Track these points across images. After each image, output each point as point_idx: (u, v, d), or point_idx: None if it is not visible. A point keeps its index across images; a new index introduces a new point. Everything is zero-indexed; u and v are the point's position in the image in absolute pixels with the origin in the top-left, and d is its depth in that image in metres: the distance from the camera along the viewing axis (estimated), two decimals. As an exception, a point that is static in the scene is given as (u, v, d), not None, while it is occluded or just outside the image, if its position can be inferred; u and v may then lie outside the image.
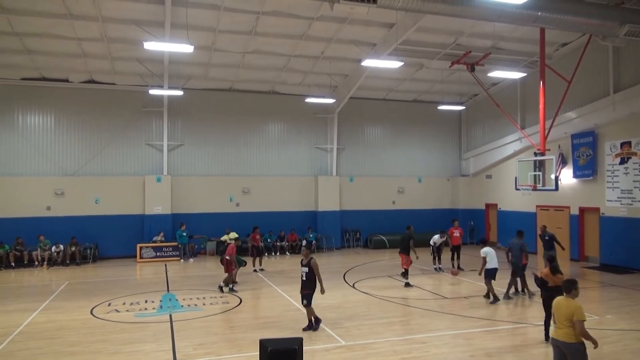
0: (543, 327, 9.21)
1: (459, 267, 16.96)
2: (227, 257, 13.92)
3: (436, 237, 17.34)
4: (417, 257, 14.61)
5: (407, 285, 14.31)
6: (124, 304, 12.39)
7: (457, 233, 17.45)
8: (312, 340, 9.14)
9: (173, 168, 21.79)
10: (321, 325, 10.24)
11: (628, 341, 9.08)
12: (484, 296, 12.63)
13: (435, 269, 17.08)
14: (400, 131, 25.39)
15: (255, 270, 17.09)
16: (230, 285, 14.02)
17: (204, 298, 12.98)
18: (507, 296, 12.80)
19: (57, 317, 11.17)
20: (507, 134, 22.70)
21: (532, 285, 13.25)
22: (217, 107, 22.38)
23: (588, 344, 6.12)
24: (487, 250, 12.50)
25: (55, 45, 17.01)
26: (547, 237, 14.95)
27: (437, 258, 17.21)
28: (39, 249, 18.64)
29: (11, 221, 19.19)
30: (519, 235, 13.29)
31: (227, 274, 13.99)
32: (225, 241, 20.61)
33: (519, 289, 13.18)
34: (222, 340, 9.31)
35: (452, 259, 17.28)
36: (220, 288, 13.88)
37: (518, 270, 12.92)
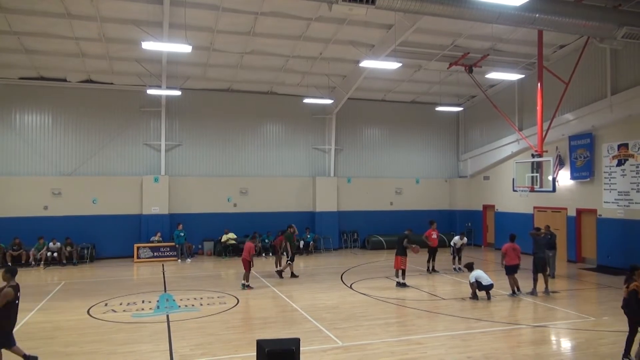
0: (625, 343, 8.35)
1: (434, 269, 16.87)
2: (248, 259, 14.14)
3: (456, 238, 17.52)
4: (417, 250, 14.51)
5: (400, 285, 14.31)
6: (120, 304, 12.36)
7: (435, 235, 17.02)
8: (309, 341, 9.13)
9: (171, 168, 21.76)
10: (319, 325, 10.24)
11: (625, 343, 9.07)
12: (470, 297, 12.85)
13: (455, 269, 17.13)
14: (398, 132, 25.41)
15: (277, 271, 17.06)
16: (245, 282, 14.20)
17: (201, 298, 12.97)
18: (533, 292, 13.24)
19: (54, 317, 11.14)
20: (505, 135, 22.74)
21: (525, 287, 13.39)
22: (215, 107, 22.36)
23: None
24: (477, 274, 12.83)
25: (54, 44, 16.99)
26: (549, 237, 15.07)
27: (457, 259, 17.27)
28: (33, 249, 18.61)
29: (8, 221, 19.13)
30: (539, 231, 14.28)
31: (246, 272, 14.26)
32: (227, 241, 20.83)
33: (515, 290, 13.20)
34: (219, 341, 9.29)
35: (429, 260, 16.93)
36: (245, 286, 14.20)
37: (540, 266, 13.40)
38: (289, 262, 15.97)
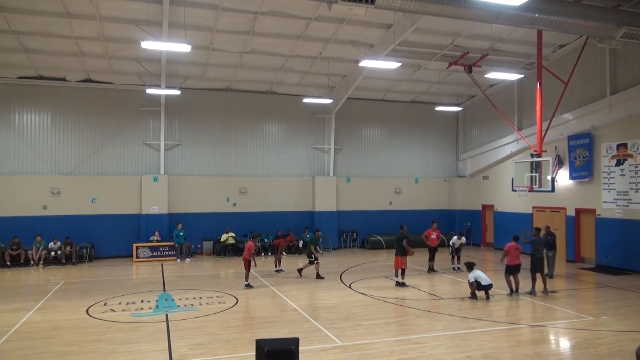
0: None
1: (433, 269, 16.84)
2: (248, 258, 14.20)
3: (454, 238, 17.54)
4: (412, 253, 14.47)
5: (400, 284, 14.32)
6: (120, 303, 12.35)
7: (434, 235, 17.01)
8: (308, 340, 9.14)
9: (170, 168, 21.75)
10: (318, 325, 10.24)
11: (624, 342, 9.10)
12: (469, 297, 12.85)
13: (454, 268, 17.12)
14: (397, 132, 25.42)
15: (277, 271, 17.13)
16: (247, 282, 14.28)
17: (200, 298, 12.97)
18: (532, 292, 13.23)
19: (53, 316, 11.13)
20: (504, 135, 22.75)
21: (523, 287, 13.40)
22: (214, 107, 22.35)
23: None
24: (476, 274, 12.81)
25: (53, 44, 16.97)
26: (549, 237, 15.08)
27: (456, 258, 17.24)
28: (34, 248, 18.63)
29: (7, 220, 19.12)
30: (538, 231, 14.19)
31: (246, 271, 14.33)
32: (226, 240, 20.86)
33: (513, 289, 13.20)
34: (218, 341, 9.29)
35: (430, 260, 16.89)
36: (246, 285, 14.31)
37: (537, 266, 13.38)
38: (316, 262, 15.81)
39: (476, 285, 12.67)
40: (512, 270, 13.13)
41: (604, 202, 17.85)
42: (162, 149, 21.44)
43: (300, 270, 16.18)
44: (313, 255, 15.76)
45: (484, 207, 24.69)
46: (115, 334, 9.74)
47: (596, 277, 16.04)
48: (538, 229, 14.43)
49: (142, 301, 12.62)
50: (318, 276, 15.78)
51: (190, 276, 16.69)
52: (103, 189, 20.62)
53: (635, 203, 16.73)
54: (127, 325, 10.37)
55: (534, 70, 17.65)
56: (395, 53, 16.64)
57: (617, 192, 17.35)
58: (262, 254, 20.82)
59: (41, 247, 18.73)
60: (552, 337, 9.86)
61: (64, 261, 18.84)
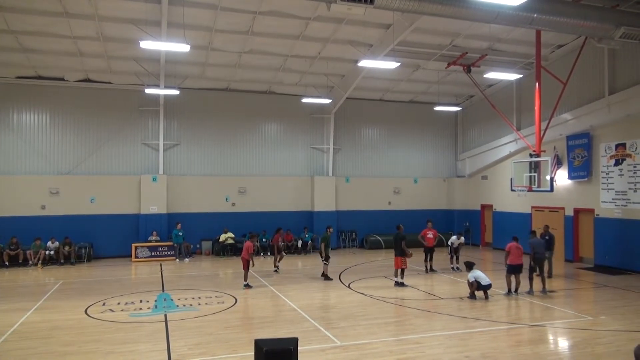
0: None
1: (432, 269, 16.88)
2: (247, 258, 14.15)
3: (453, 238, 17.58)
4: (410, 255, 14.47)
5: (399, 284, 14.33)
6: (118, 303, 12.35)
7: (430, 234, 16.96)
8: (307, 340, 9.14)
9: (169, 167, 21.74)
10: (317, 325, 10.24)
11: (622, 342, 9.12)
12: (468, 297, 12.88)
13: (453, 268, 17.14)
14: (396, 132, 25.43)
15: (275, 270, 17.10)
16: (246, 282, 14.23)
17: (199, 298, 12.96)
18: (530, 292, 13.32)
19: (51, 316, 11.12)
20: (503, 135, 22.77)
21: (522, 286, 13.42)
22: (213, 106, 22.34)
23: None
24: (476, 274, 12.82)
25: (52, 43, 16.95)
26: (547, 237, 15.13)
27: (454, 258, 17.25)
28: (32, 250, 18.59)
29: (6, 220, 19.10)
30: (535, 234, 14.41)
31: (245, 271, 14.28)
32: (225, 240, 20.86)
33: (512, 289, 13.20)
34: (217, 340, 9.29)
35: (426, 260, 16.90)
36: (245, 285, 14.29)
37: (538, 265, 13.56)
38: (325, 262, 15.72)
39: (476, 285, 12.68)
40: (514, 270, 13.12)
41: (602, 202, 17.87)
42: (161, 148, 21.42)
43: (326, 276, 15.70)
44: (322, 254, 15.64)
45: (483, 207, 24.70)
46: (114, 334, 9.74)
47: (595, 277, 16.06)
48: (534, 232, 14.53)
49: (140, 301, 12.61)
50: (325, 277, 15.63)
51: (189, 276, 16.68)
52: (102, 189, 20.59)
53: (633, 203, 16.76)
54: (125, 325, 10.36)
55: (533, 70, 17.67)
56: (394, 53, 16.64)
57: (616, 192, 17.37)
58: (262, 254, 20.82)
59: (40, 250, 18.70)
60: (550, 337, 9.87)
61: (62, 261, 18.82)
